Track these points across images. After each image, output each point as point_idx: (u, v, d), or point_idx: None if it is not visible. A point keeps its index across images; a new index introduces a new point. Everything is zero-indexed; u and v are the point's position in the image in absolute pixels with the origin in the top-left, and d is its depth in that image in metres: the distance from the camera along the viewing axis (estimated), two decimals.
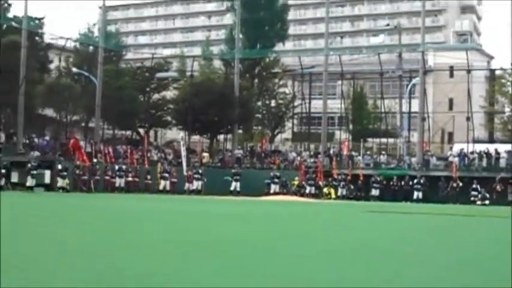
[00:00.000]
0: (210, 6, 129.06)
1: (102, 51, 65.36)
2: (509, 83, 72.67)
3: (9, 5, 67.71)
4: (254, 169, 62.14)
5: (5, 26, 65.02)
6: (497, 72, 76.77)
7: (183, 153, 59.44)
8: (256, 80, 75.22)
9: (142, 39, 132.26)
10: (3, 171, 44.15)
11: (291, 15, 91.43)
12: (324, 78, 66.38)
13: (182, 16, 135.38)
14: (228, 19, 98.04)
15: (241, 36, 71.28)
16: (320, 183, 56.76)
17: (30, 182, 45.70)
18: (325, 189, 55.80)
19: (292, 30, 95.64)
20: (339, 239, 14.23)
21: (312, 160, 62.95)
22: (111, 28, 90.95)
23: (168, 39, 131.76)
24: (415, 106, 67.22)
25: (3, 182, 44.36)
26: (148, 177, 56.39)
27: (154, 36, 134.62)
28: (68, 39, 66.28)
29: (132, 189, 54.31)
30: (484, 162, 58.80)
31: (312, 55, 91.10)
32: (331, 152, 65.03)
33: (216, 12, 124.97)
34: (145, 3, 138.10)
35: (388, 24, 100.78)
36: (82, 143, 56.38)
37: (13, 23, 63.45)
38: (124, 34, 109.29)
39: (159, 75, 73.43)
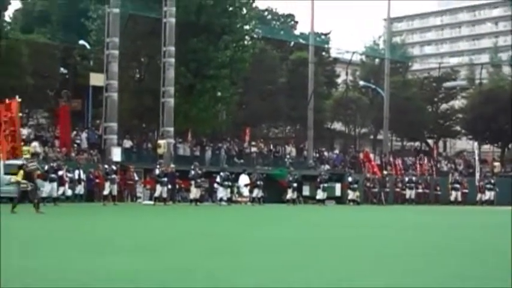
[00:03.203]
0: (497, 12, 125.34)
1: (389, 63, 65.27)
2: None
3: (296, 22, 69.85)
4: None
5: (292, 43, 67.04)
6: None
7: (477, 163, 58.12)
8: None
9: (428, 49, 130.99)
10: (294, 185, 45.01)
11: None
12: None
13: (468, 24, 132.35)
14: None
15: None
16: None
17: (320, 195, 46.18)
18: None
19: None
20: None
21: None
22: (397, 39, 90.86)
23: (455, 48, 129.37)
24: None
25: (295, 195, 45.25)
26: (438, 188, 55.38)
27: (441, 46, 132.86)
28: (354, 52, 66.98)
29: (422, 200, 53.49)
30: None
31: None
32: None
33: (504, 18, 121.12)
34: (431, 13, 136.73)
35: None
36: (371, 155, 56.49)
37: (300, 40, 65.27)
38: (409, 45, 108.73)
39: (447, 84, 72.23)
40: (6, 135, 28.32)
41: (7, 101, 29.03)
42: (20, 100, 29.09)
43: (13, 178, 30.40)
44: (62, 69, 53.50)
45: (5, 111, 28.53)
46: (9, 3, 46.70)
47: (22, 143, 31.12)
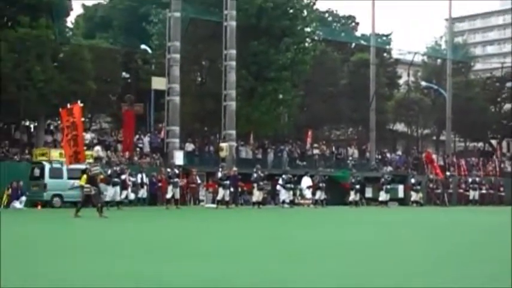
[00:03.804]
0: None
1: (451, 64, 64.54)
2: None
3: (357, 23, 69.46)
4: None
5: (353, 44, 66.71)
6: None
7: None
8: None
9: (491, 49, 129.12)
10: (357, 186, 44.74)
11: None
12: None
13: None
14: None
15: None
16: None
17: (383, 196, 45.89)
18: None
19: None
20: None
21: None
22: (458, 39, 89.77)
23: None
24: None
25: (357, 197, 44.97)
26: (502, 189, 54.68)
27: (503, 45, 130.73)
28: (415, 53, 66.24)
29: (486, 201, 52.78)
30: None
31: None
32: None
33: None
34: (493, 12, 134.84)
35: None
36: (434, 156, 55.89)
37: (361, 41, 64.95)
38: (471, 45, 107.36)
39: (510, 84, 71.10)
40: (69, 140, 28.51)
41: (69, 106, 29.24)
42: (82, 105, 29.29)
43: (76, 182, 30.78)
44: (124, 73, 53.95)
45: (68, 116, 28.72)
46: (71, 9, 47.17)
47: (85, 148, 31.38)
